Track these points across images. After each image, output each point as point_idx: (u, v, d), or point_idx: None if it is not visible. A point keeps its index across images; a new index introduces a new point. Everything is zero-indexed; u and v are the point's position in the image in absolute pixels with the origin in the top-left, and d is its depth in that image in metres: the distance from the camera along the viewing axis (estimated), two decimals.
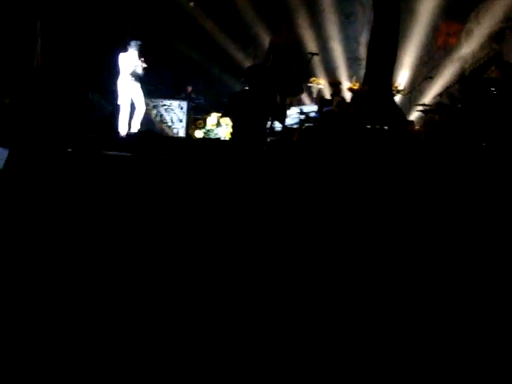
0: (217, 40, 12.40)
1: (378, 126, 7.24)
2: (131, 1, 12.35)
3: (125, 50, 7.92)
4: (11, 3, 8.13)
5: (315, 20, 11.54)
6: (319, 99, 8.10)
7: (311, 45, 11.11)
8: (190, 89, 10.64)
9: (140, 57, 7.82)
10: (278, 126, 6.42)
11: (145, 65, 7.76)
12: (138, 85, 7.86)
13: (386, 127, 7.36)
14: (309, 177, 5.35)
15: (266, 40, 12.36)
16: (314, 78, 9.67)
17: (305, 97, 9.47)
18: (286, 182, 5.18)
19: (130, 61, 7.78)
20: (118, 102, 7.82)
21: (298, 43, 8.02)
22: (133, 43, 7.89)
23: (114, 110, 8.52)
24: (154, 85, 8.45)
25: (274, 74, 6.76)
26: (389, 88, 8.69)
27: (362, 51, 11.02)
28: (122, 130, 7.82)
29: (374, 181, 5.09)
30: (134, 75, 7.72)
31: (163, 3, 12.61)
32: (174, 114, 8.92)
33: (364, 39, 11.25)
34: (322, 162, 5.72)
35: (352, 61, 11.24)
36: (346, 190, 4.96)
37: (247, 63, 12.26)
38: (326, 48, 11.23)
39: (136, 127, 7.80)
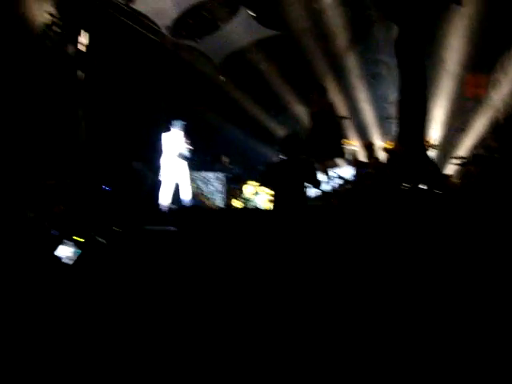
0: (248, 110, 12.85)
1: (415, 185, 7.20)
2: (164, 80, 13.03)
3: (168, 129, 8.25)
4: (55, 89, 8.58)
5: (342, 83, 11.82)
6: (355, 162, 8.17)
7: (341, 108, 11.36)
8: (225, 160, 10.92)
9: (185, 136, 8.13)
10: (316, 191, 6.49)
11: (189, 145, 8.06)
12: (183, 162, 8.13)
13: (424, 185, 7.31)
14: (351, 241, 5.34)
15: (295, 107, 12.80)
16: (346, 140, 9.80)
17: (339, 159, 9.53)
18: (327, 247, 5.18)
19: (174, 140, 8.11)
20: (160, 177, 8.08)
21: (334, 107, 8.24)
22: (176, 123, 8.21)
23: (156, 185, 8.78)
24: (190, 158, 8.70)
25: (316, 140, 6.96)
26: (423, 144, 8.67)
27: (392, 110, 11.16)
28: (164, 204, 8.01)
29: (416, 242, 5.04)
30: (179, 154, 8.02)
31: (194, 78, 13.23)
32: (212, 186, 9.09)
33: (393, 98, 11.41)
34: (363, 225, 5.70)
35: (383, 120, 11.36)
36: (389, 253, 4.92)
37: (279, 131, 12.62)
38: (356, 110, 11.43)
39: (185, 201, 8.03)
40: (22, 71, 8.69)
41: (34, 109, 8.57)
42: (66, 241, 4.59)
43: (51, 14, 8.24)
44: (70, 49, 7.98)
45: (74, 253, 4.50)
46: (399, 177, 7.38)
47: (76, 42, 8.06)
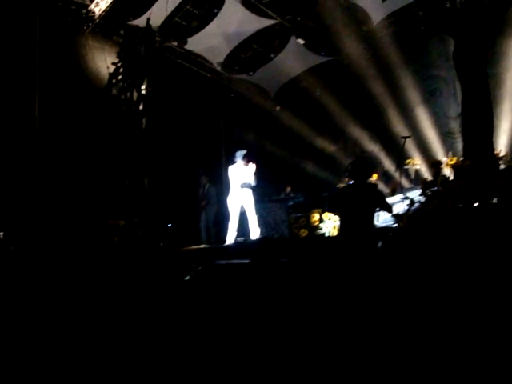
0: (307, 137, 12.88)
1: (488, 200, 6.90)
2: (222, 114, 13.34)
3: (233, 162, 8.27)
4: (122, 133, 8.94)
5: (400, 103, 11.64)
6: (422, 181, 7.93)
7: (401, 126, 11.17)
8: (288, 189, 10.92)
9: (247, 163, 8.07)
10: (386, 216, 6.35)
11: (254, 169, 7.93)
12: (250, 192, 8.09)
13: (496, 200, 6.98)
14: (424, 263, 5.16)
15: (354, 131, 12.70)
16: (409, 160, 9.59)
17: (403, 180, 9.31)
18: (401, 271, 5.02)
19: (238, 171, 8.10)
20: (229, 211, 8.07)
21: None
22: (238, 153, 8.20)
23: (220, 220, 8.84)
24: (255, 188, 8.72)
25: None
26: (492, 157, 8.33)
27: (454, 125, 10.85)
28: (230, 238, 8.02)
29: (493, 261, 4.79)
30: (245, 184, 7.96)
31: (251, 110, 13.46)
32: (277, 216, 9.06)
33: (453, 113, 11.12)
34: (436, 246, 5.49)
35: (444, 136, 11.05)
36: (466, 273, 4.70)
37: (339, 156, 12.55)
38: (417, 128, 11.18)
39: (255, 234, 7.95)
40: (93, 121, 9.20)
41: (104, 155, 8.99)
42: None
43: (114, 64, 8.69)
44: (134, 94, 8.34)
45: None
46: (470, 193, 7.10)
47: (139, 87, 8.42)
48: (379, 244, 5.19)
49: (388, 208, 5.52)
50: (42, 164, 8.95)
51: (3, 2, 8.77)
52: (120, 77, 8.55)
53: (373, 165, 5.92)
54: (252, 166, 8.01)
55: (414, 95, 11.60)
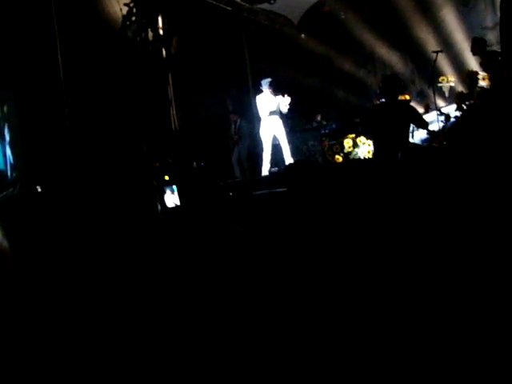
0: (335, 63, 12.50)
1: None
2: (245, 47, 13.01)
3: (260, 91, 8.14)
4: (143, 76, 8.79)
5: (433, 16, 11.09)
6: (457, 95, 7.63)
7: (433, 43, 10.67)
8: (319, 116, 10.75)
9: (275, 92, 7.96)
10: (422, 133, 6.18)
11: (287, 99, 7.82)
12: (280, 121, 8.02)
13: None
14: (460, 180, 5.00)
15: (383, 52, 12.24)
16: (443, 77, 9.22)
17: (438, 98, 8.97)
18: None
19: (266, 100, 8.00)
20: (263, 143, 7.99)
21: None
22: (264, 82, 8.07)
23: (254, 154, 8.80)
24: (288, 117, 8.59)
25: None
26: None
27: (490, 36, 10.28)
28: (265, 169, 8.02)
29: None
30: (276, 112, 7.87)
31: (275, 41, 13.07)
32: (310, 144, 8.97)
33: (489, 23, 10.54)
34: (478, 165, 5.32)
35: None
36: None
37: (369, 79, 12.17)
38: (450, 42, 10.67)
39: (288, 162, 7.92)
40: (110, 66, 9.07)
41: (128, 98, 8.94)
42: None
43: (127, 5, 8.46)
44: (150, 34, 8.14)
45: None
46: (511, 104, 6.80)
47: (154, 26, 8.21)
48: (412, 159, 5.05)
49: (423, 123, 5.36)
50: (70, 111, 8.96)
51: None
52: (133, 18, 8.31)
53: (404, 82, 5.66)
54: (287, 99, 7.86)
55: (446, 7, 11.02)
